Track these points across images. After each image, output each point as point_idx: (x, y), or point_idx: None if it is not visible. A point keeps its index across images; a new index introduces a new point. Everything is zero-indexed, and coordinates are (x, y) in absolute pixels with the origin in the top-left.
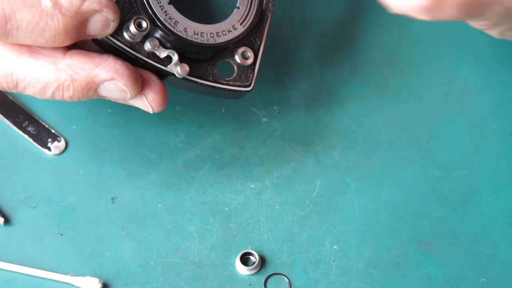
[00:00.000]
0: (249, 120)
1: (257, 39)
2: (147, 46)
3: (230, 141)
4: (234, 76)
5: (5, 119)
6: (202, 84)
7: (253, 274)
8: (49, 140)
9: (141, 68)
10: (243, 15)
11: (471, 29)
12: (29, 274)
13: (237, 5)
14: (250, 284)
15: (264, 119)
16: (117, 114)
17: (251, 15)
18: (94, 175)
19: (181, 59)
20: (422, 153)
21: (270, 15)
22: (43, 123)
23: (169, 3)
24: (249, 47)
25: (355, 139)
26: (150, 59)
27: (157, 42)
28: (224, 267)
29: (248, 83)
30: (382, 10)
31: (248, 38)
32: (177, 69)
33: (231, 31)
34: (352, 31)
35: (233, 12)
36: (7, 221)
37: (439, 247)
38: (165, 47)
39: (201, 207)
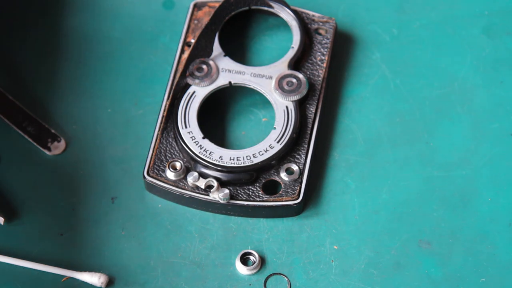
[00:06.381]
0: (249, 120)
1: (301, 152)
2: (189, 180)
3: (230, 140)
4: (280, 192)
5: (5, 119)
6: (248, 206)
7: (253, 274)
8: (49, 140)
9: (188, 202)
10: (279, 134)
11: (471, 29)
12: (32, 268)
13: (274, 126)
14: (250, 284)
15: (264, 119)
16: (117, 114)
17: (288, 132)
18: (94, 175)
19: (225, 185)
20: (422, 153)
21: (315, 128)
22: (43, 123)
23: (203, 138)
24: (294, 162)
25: (355, 139)
26: (194, 192)
27: (196, 175)
28: (224, 267)
29: (295, 196)
30: (382, 10)
31: (291, 154)
32: (219, 195)
33: (268, 150)
34: (352, 31)
35: (270, 132)
36: (7, 220)
37: (439, 247)
38: (207, 177)
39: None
